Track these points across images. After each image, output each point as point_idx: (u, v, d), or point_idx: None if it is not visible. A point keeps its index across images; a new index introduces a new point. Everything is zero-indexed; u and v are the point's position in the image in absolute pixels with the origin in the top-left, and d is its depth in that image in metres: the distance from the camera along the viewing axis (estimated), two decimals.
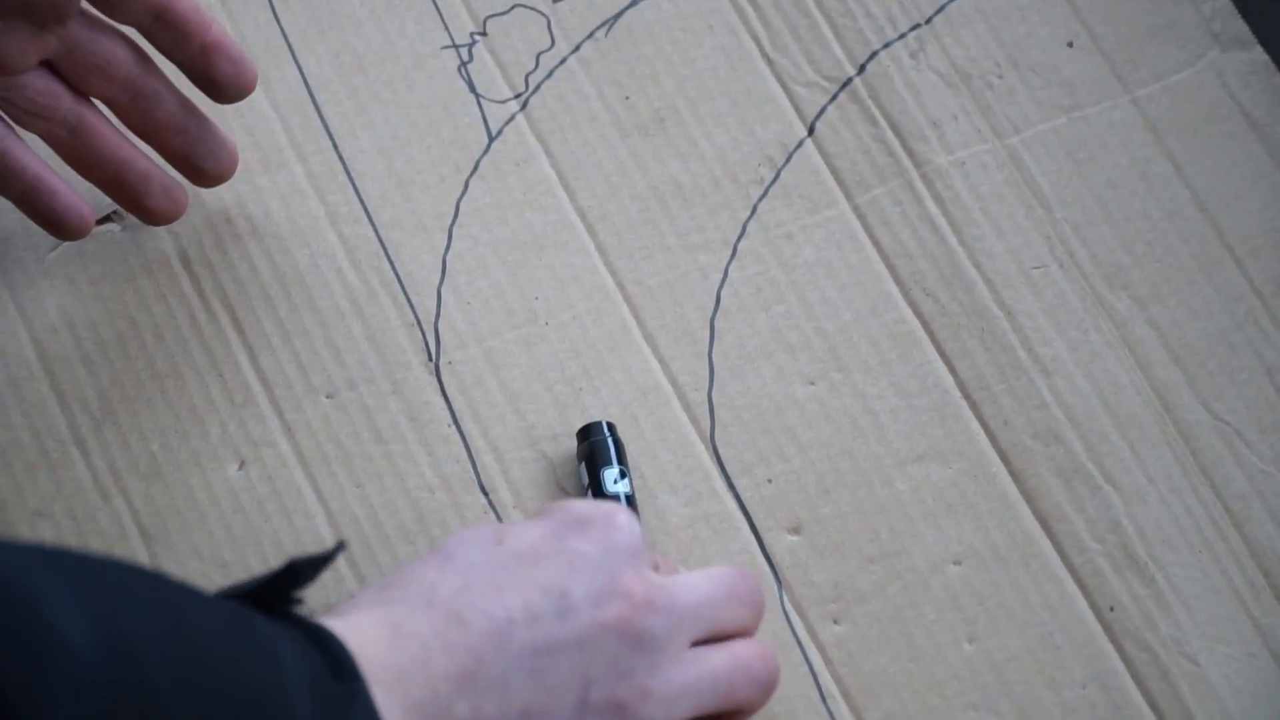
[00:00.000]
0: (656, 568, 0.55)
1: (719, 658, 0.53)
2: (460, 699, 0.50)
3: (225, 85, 0.63)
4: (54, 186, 0.62)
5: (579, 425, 0.63)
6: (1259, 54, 0.69)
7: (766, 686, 0.54)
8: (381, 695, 0.48)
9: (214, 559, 0.61)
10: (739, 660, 0.54)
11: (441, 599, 0.51)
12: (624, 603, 0.52)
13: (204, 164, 0.63)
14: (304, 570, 0.49)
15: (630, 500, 0.62)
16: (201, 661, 0.43)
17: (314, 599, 0.55)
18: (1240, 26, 0.69)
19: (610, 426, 0.62)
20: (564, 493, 0.62)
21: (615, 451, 0.62)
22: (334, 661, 0.47)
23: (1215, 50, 0.69)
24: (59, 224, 0.62)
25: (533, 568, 0.52)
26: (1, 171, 0.60)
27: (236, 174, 0.65)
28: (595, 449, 0.62)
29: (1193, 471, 0.62)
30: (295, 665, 0.46)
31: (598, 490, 0.62)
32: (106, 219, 0.65)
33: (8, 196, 0.61)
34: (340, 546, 0.51)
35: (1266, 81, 0.68)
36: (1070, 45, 0.69)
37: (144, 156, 0.63)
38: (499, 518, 0.62)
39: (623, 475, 0.61)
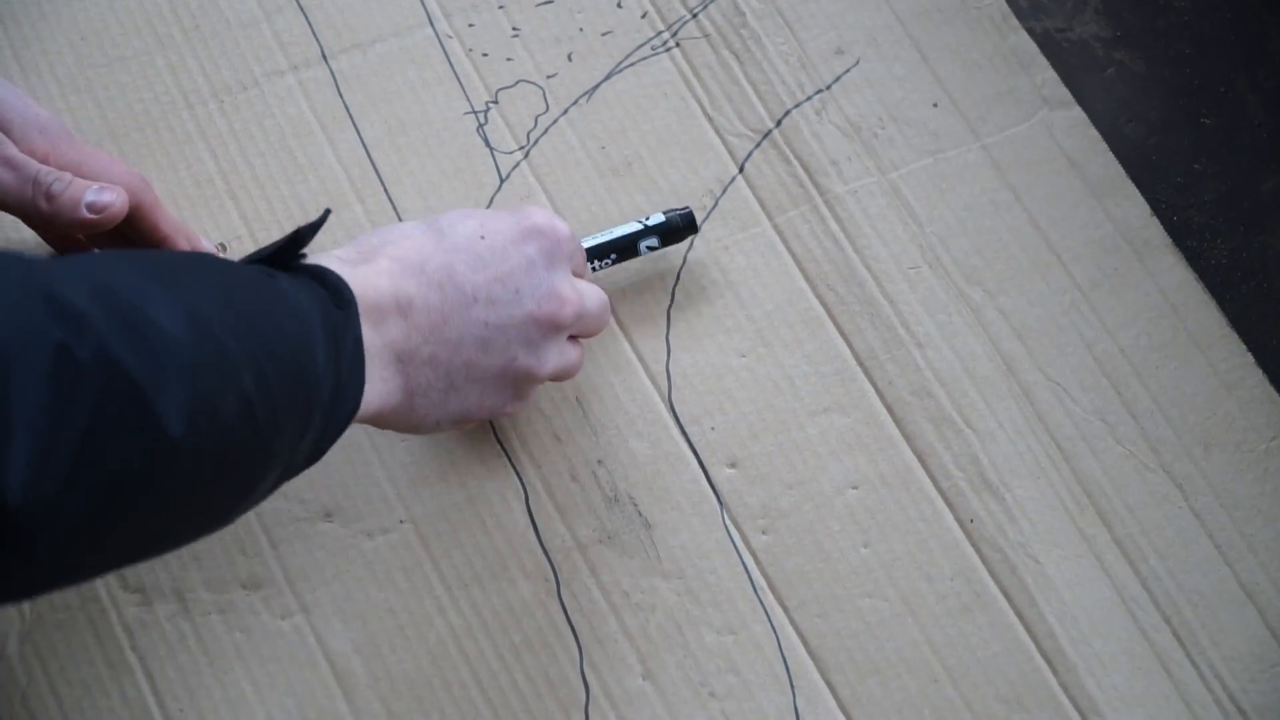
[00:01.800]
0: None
1: (574, 351, 0.62)
2: (425, 344, 0.56)
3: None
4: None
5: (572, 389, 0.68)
6: (1078, 112, 0.75)
7: (578, 372, 0.63)
8: (367, 330, 0.54)
9: None
10: (579, 358, 0.63)
11: (430, 270, 0.57)
12: (556, 302, 0.59)
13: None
14: (305, 235, 0.55)
15: (633, 246, 0.67)
16: (253, 326, 0.48)
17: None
18: (1064, 92, 0.75)
19: (691, 222, 0.68)
20: (558, 441, 0.67)
21: (672, 230, 0.68)
22: (334, 291, 0.53)
23: (1045, 110, 0.75)
24: (108, 213, 0.61)
25: (500, 263, 0.59)
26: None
27: (312, 211, 0.68)
28: (673, 219, 0.68)
29: (1032, 418, 0.68)
30: (313, 312, 0.50)
31: (633, 229, 0.68)
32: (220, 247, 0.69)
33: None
34: (327, 212, 0.56)
35: (1083, 132, 0.74)
36: (935, 106, 0.74)
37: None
38: (512, 464, 0.66)
39: (650, 249, 0.68)
